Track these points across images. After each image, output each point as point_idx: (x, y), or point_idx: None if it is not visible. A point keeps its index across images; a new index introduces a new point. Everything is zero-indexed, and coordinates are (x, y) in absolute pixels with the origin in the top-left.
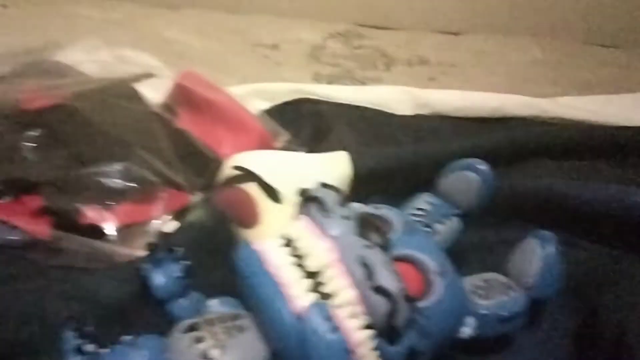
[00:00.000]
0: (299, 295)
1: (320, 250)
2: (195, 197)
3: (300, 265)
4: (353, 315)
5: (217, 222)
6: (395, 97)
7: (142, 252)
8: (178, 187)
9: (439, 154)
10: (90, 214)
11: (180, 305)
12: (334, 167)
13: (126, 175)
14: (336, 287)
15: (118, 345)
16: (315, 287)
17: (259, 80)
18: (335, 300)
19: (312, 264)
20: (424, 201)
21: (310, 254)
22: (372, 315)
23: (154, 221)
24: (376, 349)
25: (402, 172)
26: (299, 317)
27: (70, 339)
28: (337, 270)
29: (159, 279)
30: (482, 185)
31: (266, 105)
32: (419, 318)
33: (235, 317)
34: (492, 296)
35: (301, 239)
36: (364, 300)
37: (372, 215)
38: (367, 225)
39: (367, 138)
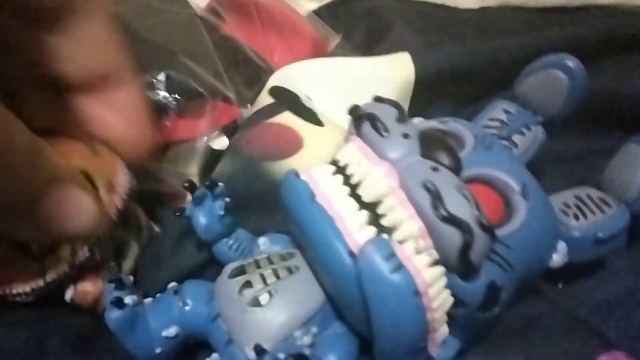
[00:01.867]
0: (356, 230)
1: (377, 176)
2: (246, 111)
3: (355, 195)
4: (419, 251)
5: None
6: None
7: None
8: (226, 99)
9: (518, 50)
10: None
11: (227, 246)
12: (395, 71)
13: (170, 87)
14: (397, 219)
15: (160, 295)
16: (374, 220)
17: None
18: (398, 235)
19: (368, 193)
20: (500, 109)
21: (366, 181)
22: (443, 250)
23: (202, 137)
24: (449, 287)
25: (473, 75)
26: (357, 256)
27: (110, 290)
28: (398, 198)
29: (201, 218)
30: (570, 85)
31: (314, 5)
32: (500, 248)
33: (285, 257)
34: (586, 215)
35: (354, 165)
36: (432, 232)
37: (438, 131)
38: (432, 144)
39: (429, 36)
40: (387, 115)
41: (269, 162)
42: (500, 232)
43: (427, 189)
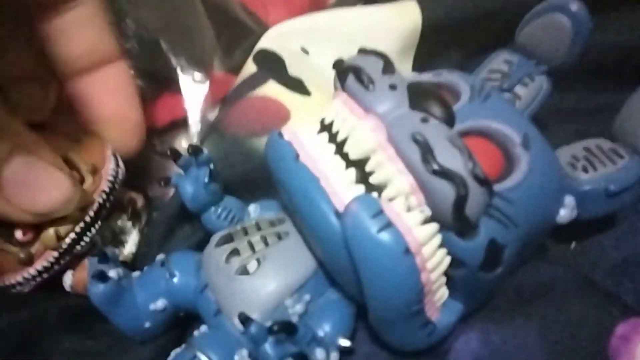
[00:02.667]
0: (342, 190)
1: (364, 131)
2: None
3: (341, 153)
4: (411, 208)
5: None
6: None
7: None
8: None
9: None
10: None
11: (216, 215)
12: (401, 19)
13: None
14: (387, 176)
15: (147, 268)
16: (362, 178)
17: None
18: (388, 192)
19: (354, 150)
20: (500, 60)
21: (352, 137)
22: (436, 206)
23: (195, 114)
24: (446, 246)
25: (482, 23)
26: (343, 215)
27: (93, 264)
28: (386, 154)
29: (187, 187)
30: (574, 30)
31: None
32: (500, 203)
33: (275, 222)
34: (597, 167)
35: (339, 121)
36: (424, 187)
37: (430, 83)
38: (422, 95)
39: None
40: (372, 66)
41: (255, 140)
42: (501, 187)
43: (417, 142)
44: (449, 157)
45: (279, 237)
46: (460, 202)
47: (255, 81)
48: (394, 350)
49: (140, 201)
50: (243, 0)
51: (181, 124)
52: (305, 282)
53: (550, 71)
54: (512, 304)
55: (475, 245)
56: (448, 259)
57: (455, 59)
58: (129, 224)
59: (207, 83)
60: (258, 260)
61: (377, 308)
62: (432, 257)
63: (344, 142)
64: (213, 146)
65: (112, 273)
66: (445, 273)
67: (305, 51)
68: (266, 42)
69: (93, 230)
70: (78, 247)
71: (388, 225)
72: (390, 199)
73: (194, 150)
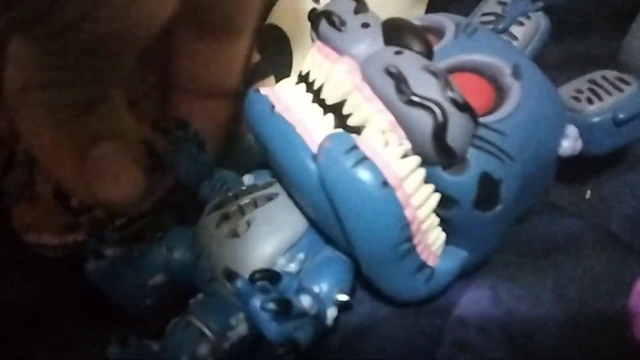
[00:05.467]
0: (321, 136)
1: (338, 74)
2: None
3: (319, 101)
4: (389, 144)
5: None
6: None
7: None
8: None
9: None
10: None
11: (210, 187)
12: None
13: None
14: (364, 116)
15: (146, 245)
16: (341, 122)
17: None
18: (367, 132)
19: (331, 95)
20: (493, 2)
21: (328, 83)
22: (417, 139)
23: None
24: (432, 182)
25: None
26: (317, 155)
27: (91, 242)
28: (362, 94)
29: (179, 162)
30: None
31: None
32: (490, 135)
33: (265, 185)
34: (602, 97)
35: (315, 69)
36: (402, 121)
37: (407, 20)
38: (396, 30)
39: None
40: (343, 8)
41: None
42: (491, 118)
43: (390, 74)
44: (424, 85)
45: (269, 198)
46: (439, 130)
47: (258, 74)
48: (396, 305)
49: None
50: None
51: None
52: (298, 240)
53: (547, 8)
54: (524, 259)
55: (465, 179)
56: (437, 196)
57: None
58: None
59: None
60: (247, 223)
61: (363, 251)
62: (417, 192)
63: (320, 89)
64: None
65: (109, 251)
66: (439, 215)
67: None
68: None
69: (143, 221)
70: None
71: (363, 159)
72: (369, 139)
73: (180, 125)
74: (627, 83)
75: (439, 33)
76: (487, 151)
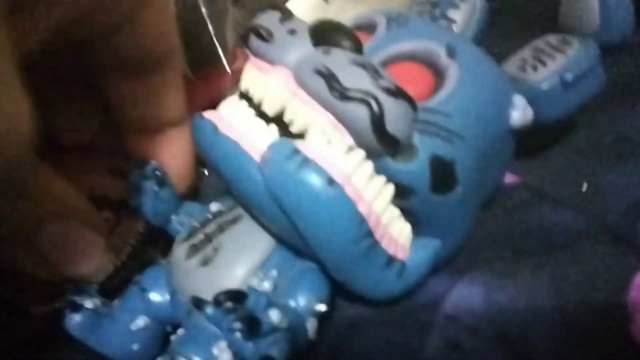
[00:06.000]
0: (263, 145)
1: (273, 85)
2: None
3: (261, 114)
4: (331, 142)
5: None
6: None
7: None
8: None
9: None
10: None
11: (178, 223)
12: None
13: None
14: (304, 120)
15: (124, 292)
16: (284, 131)
17: None
18: (310, 136)
19: (270, 107)
20: None
21: (266, 95)
22: (358, 133)
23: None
24: (384, 174)
25: None
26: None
27: (69, 296)
28: (299, 99)
29: (143, 203)
30: None
31: None
32: (434, 118)
33: (229, 208)
34: (546, 62)
35: (253, 84)
36: (340, 118)
37: (333, 20)
38: (323, 32)
39: None
40: (269, 20)
41: None
42: (433, 101)
43: (320, 74)
44: (354, 78)
45: (234, 221)
46: (377, 120)
47: None
48: (377, 306)
49: None
50: None
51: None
52: (267, 258)
53: None
54: (518, 254)
55: (416, 165)
56: (390, 187)
57: None
58: (158, 256)
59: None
60: (215, 249)
61: (325, 254)
62: (367, 186)
63: (260, 102)
64: None
65: (88, 304)
66: (399, 206)
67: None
68: None
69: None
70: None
71: (305, 161)
72: (312, 142)
73: (137, 164)
74: (568, 44)
75: (372, 28)
76: (433, 134)
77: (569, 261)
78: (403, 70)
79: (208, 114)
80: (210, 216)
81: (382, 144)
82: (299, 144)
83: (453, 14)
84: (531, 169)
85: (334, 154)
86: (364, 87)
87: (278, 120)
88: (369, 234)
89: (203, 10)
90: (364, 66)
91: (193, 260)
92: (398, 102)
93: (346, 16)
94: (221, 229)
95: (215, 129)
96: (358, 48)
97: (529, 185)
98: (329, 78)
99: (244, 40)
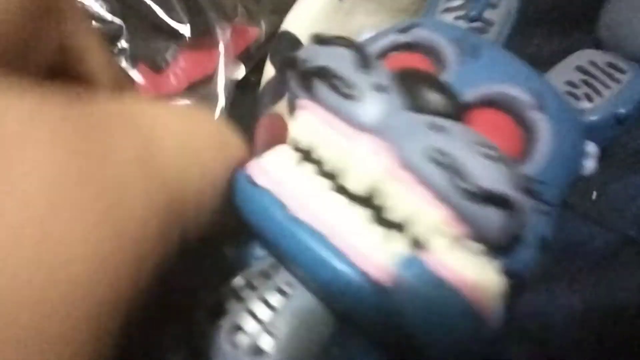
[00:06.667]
0: (363, 241)
1: (362, 156)
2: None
3: (339, 188)
4: (456, 249)
5: None
6: None
7: None
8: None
9: None
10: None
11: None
12: None
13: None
14: (407, 211)
15: None
16: (376, 216)
17: None
18: (416, 230)
19: (357, 183)
20: None
21: (348, 166)
22: (482, 235)
23: (220, 71)
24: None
25: None
26: (380, 285)
27: None
28: (401, 182)
29: None
30: None
31: None
32: (536, 188)
33: (269, 272)
34: (600, 91)
35: (321, 145)
36: (463, 216)
37: (405, 46)
38: (413, 86)
39: None
40: (342, 63)
41: None
42: (530, 168)
43: (437, 162)
44: (486, 174)
45: (283, 292)
46: (515, 227)
47: (276, 92)
48: None
49: None
50: None
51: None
52: (331, 335)
53: None
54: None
55: (529, 258)
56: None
57: None
58: None
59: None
60: (269, 332)
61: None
62: (494, 298)
63: (338, 174)
64: None
65: None
66: None
67: None
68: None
69: None
70: None
71: (440, 281)
72: (422, 240)
73: None
74: (620, 70)
75: (434, 54)
76: (537, 211)
77: (586, 271)
78: (487, 120)
79: (261, 179)
80: (242, 282)
81: (507, 247)
82: (426, 259)
83: (490, 14)
84: None
85: (463, 263)
86: (501, 188)
87: (365, 200)
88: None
89: None
90: (493, 157)
91: (240, 349)
92: (531, 201)
93: (391, 29)
94: (268, 304)
95: (283, 207)
96: (457, 108)
97: None
98: (452, 171)
99: (302, 83)
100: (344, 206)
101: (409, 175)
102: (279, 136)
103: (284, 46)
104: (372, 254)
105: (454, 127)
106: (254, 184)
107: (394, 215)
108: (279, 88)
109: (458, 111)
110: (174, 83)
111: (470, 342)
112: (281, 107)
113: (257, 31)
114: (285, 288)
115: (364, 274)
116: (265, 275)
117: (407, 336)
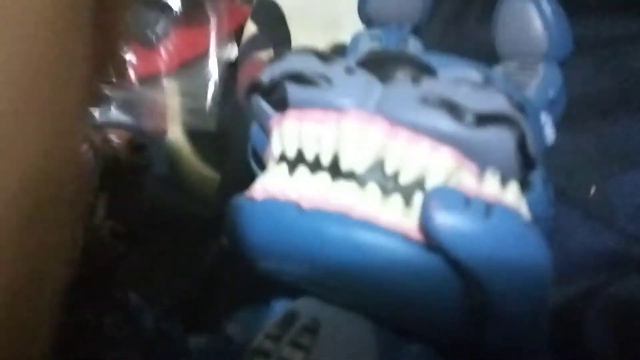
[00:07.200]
0: (380, 207)
1: (354, 131)
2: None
3: (341, 174)
4: (471, 178)
5: None
6: None
7: None
8: None
9: None
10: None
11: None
12: None
13: None
14: (419, 164)
15: None
16: (389, 186)
17: None
18: (430, 183)
19: (358, 159)
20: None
21: (344, 147)
22: (496, 162)
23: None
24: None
25: None
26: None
27: None
28: (400, 140)
29: None
30: None
31: None
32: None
33: (288, 319)
34: (522, 79)
35: (311, 142)
36: (473, 148)
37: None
38: (384, 64)
39: None
40: (307, 63)
41: None
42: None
43: (429, 105)
44: (479, 99)
45: (311, 330)
46: (522, 141)
47: (257, 44)
48: None
49: None
50: None
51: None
52: (376, 352)
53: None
54: None
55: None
56: None
57: None
58: None
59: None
60: None
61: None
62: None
63: (336, 158)
64: None
65: None
66: None
67: None
68: None
69: None
70: None
71: (490, 207)
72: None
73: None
74: (531, 68)
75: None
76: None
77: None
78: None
79: (258, 193)
80: (262, 337)
81: (524, 168)
82: (459, 188)
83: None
84: None
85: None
86: (499, 107)
87: (372, 174)
88: None
89: None
90: (480, 84)
91: None
92: (523, 116)
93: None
94: (299, 345)
95: (296, 206)
96: (428, 68)
97: None
98: (445, 107)
99: (271, 98)
100: (354, 190)
101: (406, 130)
102: None
103: (266, 11)
104: (400, 219)
105: (431, 77)
106: (253, 201)
107: (404, 178)
108: (259, 41)
109: (430, 73)
110: (166, 59)
111: (536, 281)
112: (262, 54)
113: (249, 9)
114: (312, 325)
115: (390, 232)
116: (285, 321)
117: (479, 290)
